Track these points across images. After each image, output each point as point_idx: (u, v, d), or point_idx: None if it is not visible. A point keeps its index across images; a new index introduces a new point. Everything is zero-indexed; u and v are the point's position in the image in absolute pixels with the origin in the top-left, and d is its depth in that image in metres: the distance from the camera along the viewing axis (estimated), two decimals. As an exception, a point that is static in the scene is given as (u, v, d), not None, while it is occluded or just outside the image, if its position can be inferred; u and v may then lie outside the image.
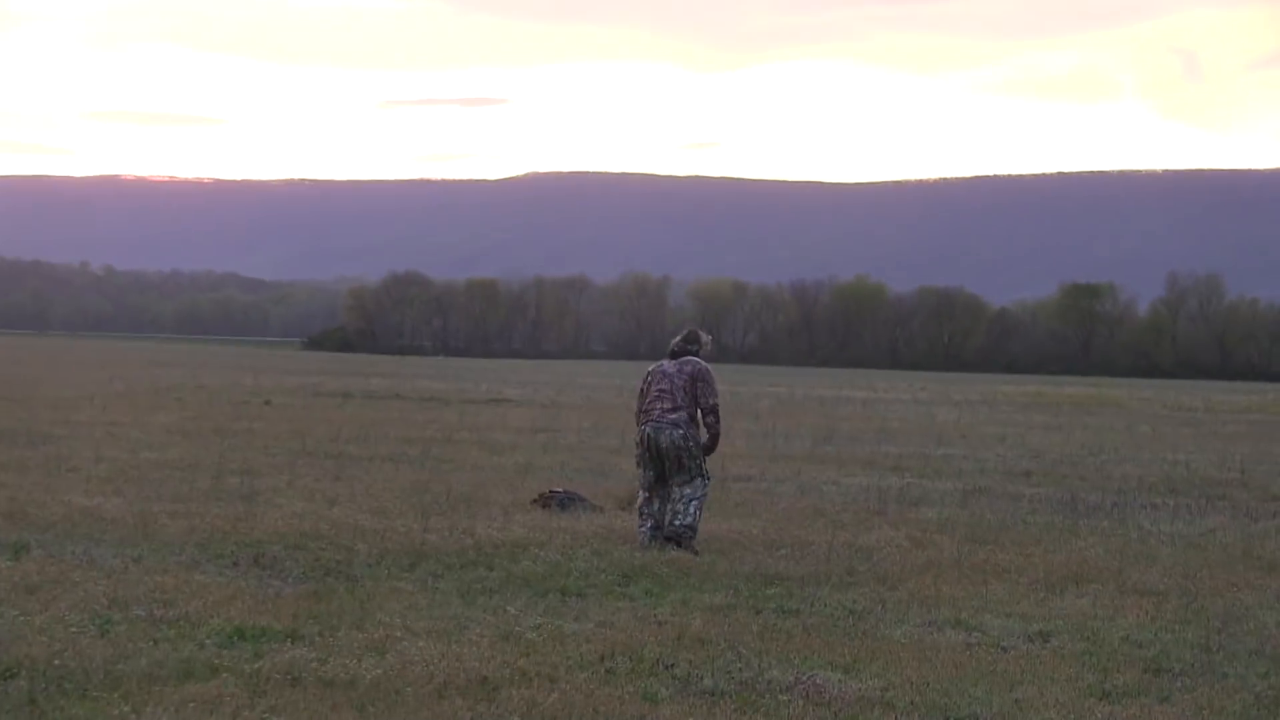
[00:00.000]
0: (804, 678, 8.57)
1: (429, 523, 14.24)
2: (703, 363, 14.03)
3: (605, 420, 36.01)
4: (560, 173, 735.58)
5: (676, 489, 13.74)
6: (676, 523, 13.55)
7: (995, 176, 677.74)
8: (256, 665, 8.33)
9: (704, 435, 13.91)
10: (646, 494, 13.85)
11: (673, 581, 11.74)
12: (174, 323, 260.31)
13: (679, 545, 13.30)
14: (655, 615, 10.39)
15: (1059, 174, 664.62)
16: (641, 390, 14.16)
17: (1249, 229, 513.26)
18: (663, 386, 13.90)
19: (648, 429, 13.79)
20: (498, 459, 23.27)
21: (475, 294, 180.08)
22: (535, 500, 16.46)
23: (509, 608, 10.44)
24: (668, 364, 14.08)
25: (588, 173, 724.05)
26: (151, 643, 8.82)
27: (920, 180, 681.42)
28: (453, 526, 14.03)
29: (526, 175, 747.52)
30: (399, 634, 9.30)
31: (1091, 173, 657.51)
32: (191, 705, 7.44)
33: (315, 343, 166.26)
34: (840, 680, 8.63)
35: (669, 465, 13.74)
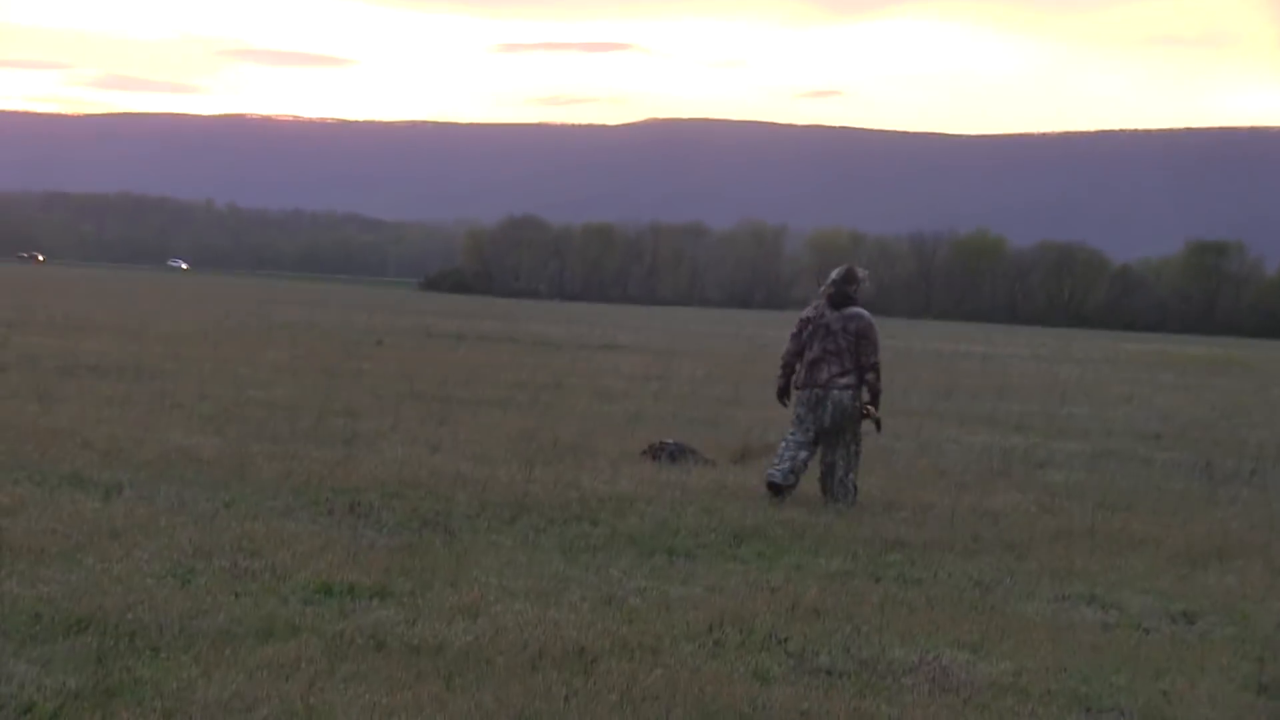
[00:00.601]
0: (929, 658, 7.88)
1: (533, 473, 13.67)
2: (867, 316, 13.38)
3: (719, 369, 35.35)
4: (679, 119, 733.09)
5: (831, 453, 13.29)
6: (842, 490, 13.25)
7: (1120, 131, 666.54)
8: (340, 626, 7.78)
9: (865, 394, 13.39)
10: (799, 441, 13.30)
11: (787, 544, 11.07)
12: (294, 261, 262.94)
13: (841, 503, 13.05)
14: (768, 581, 9.74)
15: (1186, 129, 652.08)
16: (797, 336, 13.46)
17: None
18: (829, 346, 13.28)
19: (819, 393, 13.24)
20: (608, 407, 22.71)
21: (591, 238, 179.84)
22: (645, 451, 15.86)
23: (612, 569, 9.82)
24: (830, 315, 13.36)
25: (707, 119, 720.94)
26: (233, 596, 8.30)
27: (1043, 133, 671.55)
28: (558, 478, 13.45)
29: (646, 121, 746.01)
30: (494, 595, 8.73)
31: (1219, 128, 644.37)
32: (265, 671, 6.89)
33: (432, 283, 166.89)
34: (968, 662, 7.93)
35: (831, 430, 13.24)
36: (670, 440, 16.25)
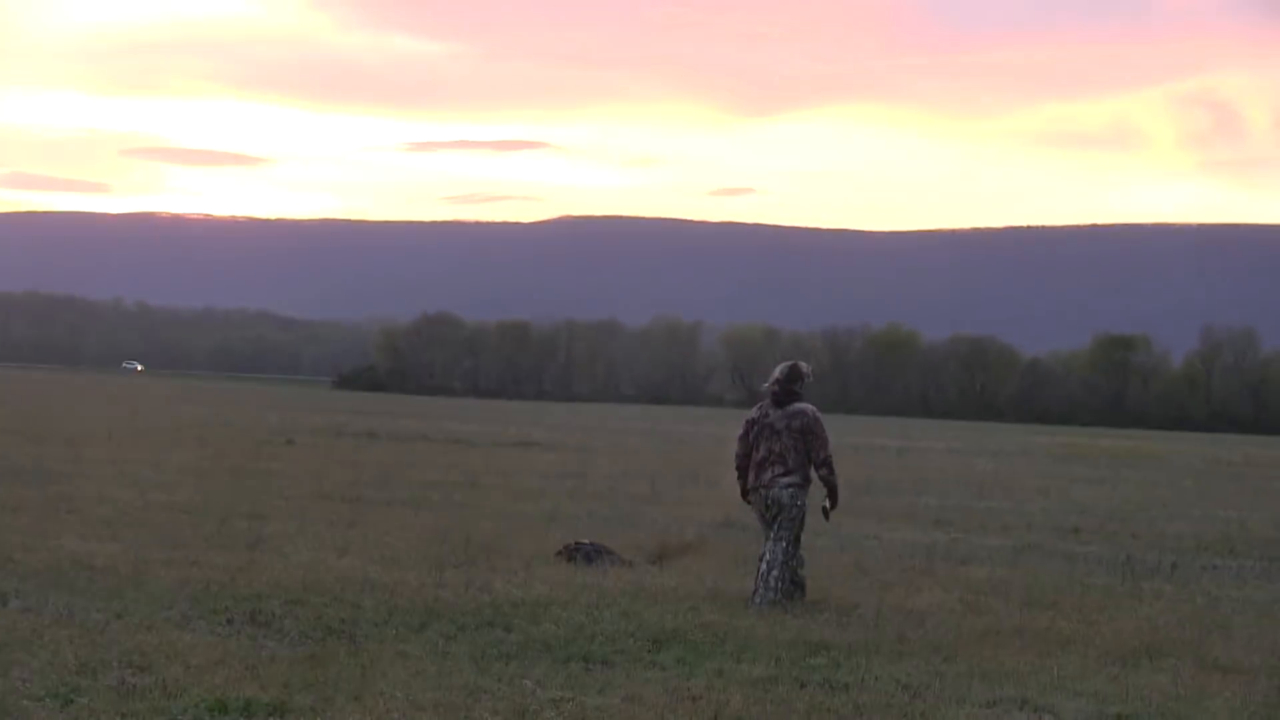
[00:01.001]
0: (859, 771, 7.50)
1: (444, 576, 13.21)
2: (811, 411, 13.21)
3: (635, 466, 34.96)
4: (592, 217, 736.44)
5: (770, 544, 13.01)
6: (802, 573, 13.08)
7: (1029, 227, 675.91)
8: (234, 747, 7.30)
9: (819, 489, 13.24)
10: (763, 545, 13.17)
11: (708, 649, 10.66)
12: (206, 359, 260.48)
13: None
14: (689, 689, 9.32)
15: (1092, 226, 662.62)
16: (744, 438, 13.25)
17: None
18: (774, 446, 13.10)
19: (763, 493, 13.07)
20: (522, 506, 22.25)
21: (506, 335, 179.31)
22: (560, 552, 15.43)
23: (526, 679, 9.38)
24: (774, 414, 13.15)
25: (620, 217, 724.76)
26: (119, 718, 7.79)
27: (953, 229, 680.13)
28: (470, 581, 12.99)
29: (559, 218, 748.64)
30: (400, 710, 8.27)
31: (1125, 225, 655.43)
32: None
33: (346, 381, 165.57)
34: (900, 774, 7.55)
35: (772, 525, 13.05)
36: (586, 540, 15.84)
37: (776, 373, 13.31)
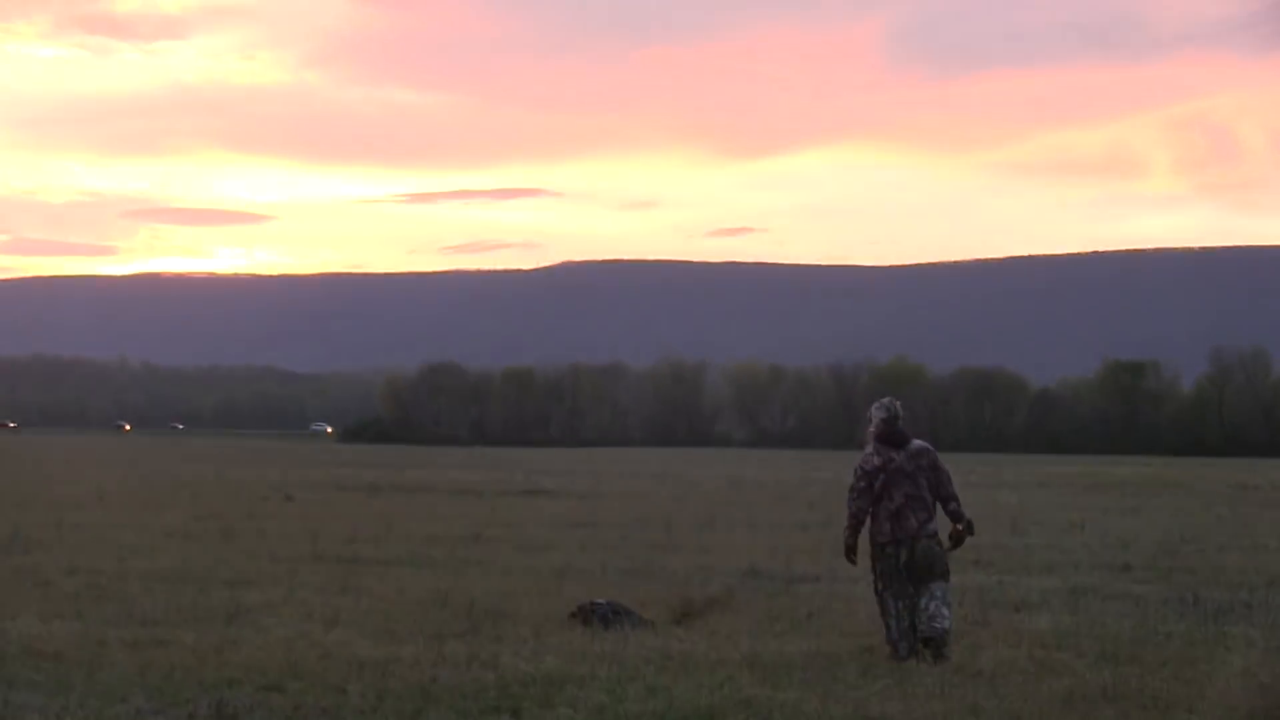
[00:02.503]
0: None
1: (444, 649, 11.64)
2: (930, 446, 12.63)
3: (648, 512, 33.36)
4: (593, 260, 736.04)
5: (927, 589, 12.08)
6: (937, 625, 11.94)
7: (1031, 256, 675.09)
8: None
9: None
10: (896, 599, 12.09)
11: (752, 734, 9.08)
12: (212, 416, 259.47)
13: (939, 653, 11.75)
14: (735, 786, 7.75)
15: (1094, 253, 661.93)
16: (869, 489, 12.25)
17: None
18: (910, 491, 12.30)
19: (910, 544, 12.10)
20: (531, 559, 20.68)
21: (511, 382, 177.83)
22: (574, 614, 13.87)
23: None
24: (899, 457, 12.30)
25: (620, 260, 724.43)
26: None
27: (955, 261, 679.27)
28: (472, 655, 11.41)
29: (560, 264, 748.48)
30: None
31: (1127, 251, 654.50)
32: None
33: (351, 434, 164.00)
34: None
35: (923, 576, 12.15)
36: (602, 600, 14.26)
37: (880, 413, 12.52)
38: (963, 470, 73.01)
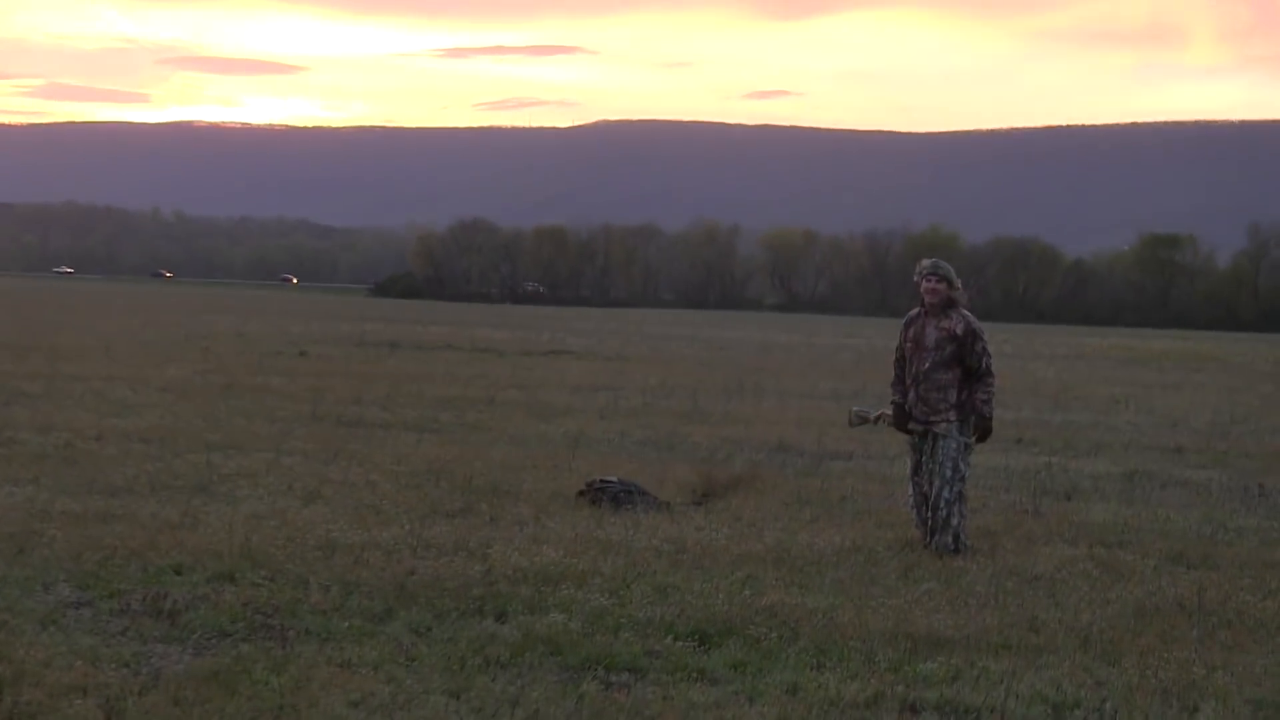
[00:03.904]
0: None
1: (429, 533, 10.32)
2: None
3: (674, 377, 32.03)
4: (629, 120, 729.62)
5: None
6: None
7: (1069, 127, 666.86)
8: None
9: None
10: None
11: (775, 649, 7.72)
12: (244, 269, 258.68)
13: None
14: (752, 720, 6.44)
15: (1132, 124, 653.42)
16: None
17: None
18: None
19: None
20: (544, 426, 19.37)
21: (543, 241, 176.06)
22: (582, 492, 12.55)
23: (518, 709, 6.50)
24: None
25: (657, 120, 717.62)
26: None
27: (994, 129, 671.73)
28: (460, 542, 10.07)
29: (595, 123, 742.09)
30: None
31: (1166, 123, 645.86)
32: None
33: (382, 289, 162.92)
34: None
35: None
36: (613, 478, 12.91)
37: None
38: (996, 340, 71.60)
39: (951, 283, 10.99)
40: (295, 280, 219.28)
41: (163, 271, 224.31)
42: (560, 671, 7.15)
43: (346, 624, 7.79)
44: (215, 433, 16.53)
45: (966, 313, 10.97)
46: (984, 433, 10.84)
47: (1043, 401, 29.31)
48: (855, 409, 12.14)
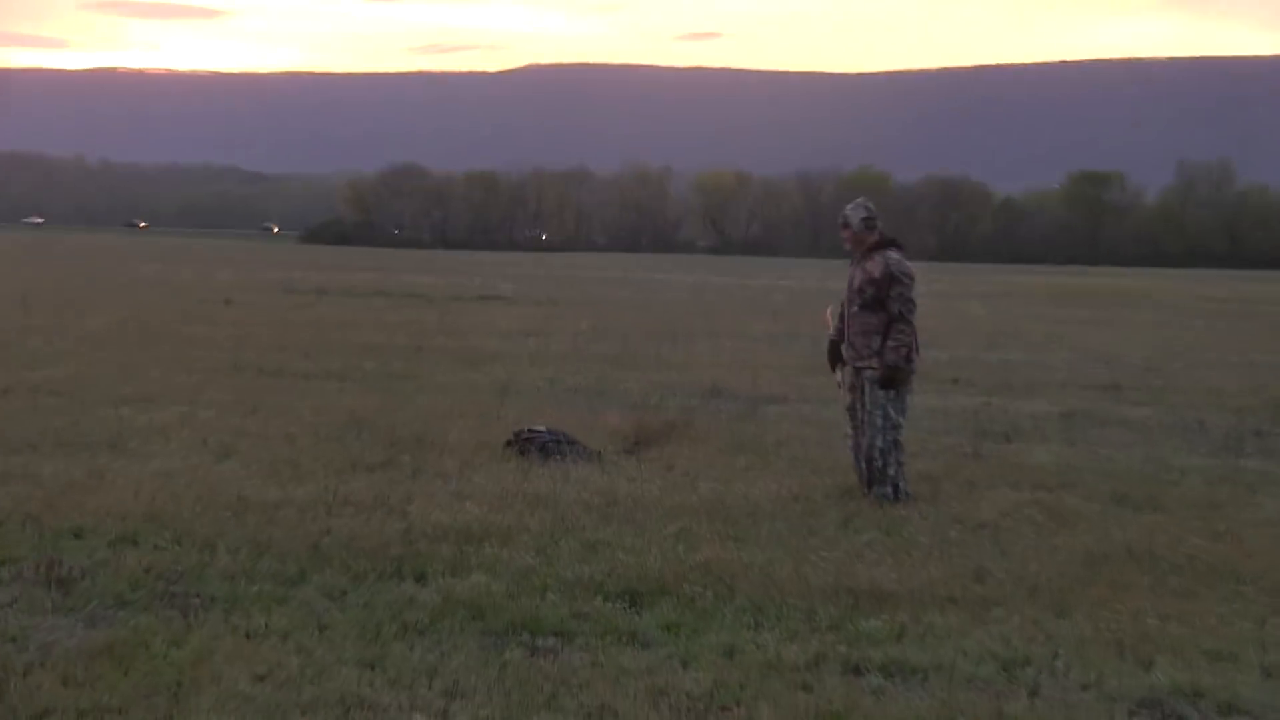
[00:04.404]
0: None
1: (348, 489, 9.86)
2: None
3: (605, 321, 31.58)
4: (559, 64, 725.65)
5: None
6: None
7: (999, 66, 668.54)
8: None
9: None
10: None
11: (710, 608, 7.33)
12: (173, 216, 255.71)
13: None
14: (686, 687, 6.06)
15: (1061, 63, 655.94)
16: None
17: (1257, 117, 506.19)
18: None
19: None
20: (472, 374, 18.89)
21: (474, 186, 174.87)
22: (509, 442, 12.11)
23: (436, 678, 6.08)
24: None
25: (586, 64, 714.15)
26: None
27: (923, 69, 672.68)
28: (380, 499, 9.61)
29: (525, 67, 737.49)
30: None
31: (1095, 61, 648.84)
32: None
33: (313, 235, 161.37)
34: None
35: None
36: (541, 427, 12.48)
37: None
38: (929, 279, 71.59)
39: (851, 225, 10.63)
40: (277, 229, 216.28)
41: (137, 221, 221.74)
42: (482, 637, 6.73)
43: (255, 589, 7.34)
44: (129, 385, 15.97)
45: (893, 254, 10.59)
46: (885, 380, 10.38)
47: (977, 342, 29.07)
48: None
